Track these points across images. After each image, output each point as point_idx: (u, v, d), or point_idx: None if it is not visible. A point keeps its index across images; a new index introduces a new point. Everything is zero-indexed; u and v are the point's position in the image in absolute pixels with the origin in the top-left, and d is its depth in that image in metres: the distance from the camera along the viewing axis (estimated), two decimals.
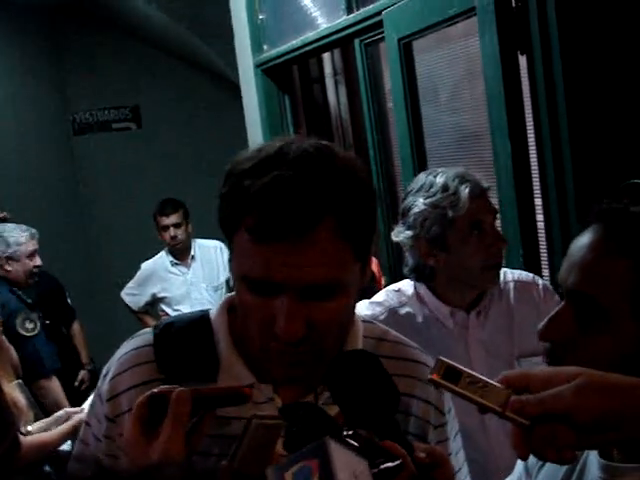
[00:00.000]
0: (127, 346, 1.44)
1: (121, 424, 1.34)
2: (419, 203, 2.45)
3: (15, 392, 3.26)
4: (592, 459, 1.26)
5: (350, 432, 1.07)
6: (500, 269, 2.47)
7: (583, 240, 1.24)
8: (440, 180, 2.46)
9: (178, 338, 1.40)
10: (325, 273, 1.20)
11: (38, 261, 5.09)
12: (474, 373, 1.03)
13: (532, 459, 1.41)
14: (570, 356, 1.21)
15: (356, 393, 1.15)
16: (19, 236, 5.03)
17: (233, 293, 1.47)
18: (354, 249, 1.23)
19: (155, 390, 1.17)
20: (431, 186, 2.46)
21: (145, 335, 1.44)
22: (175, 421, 1.12)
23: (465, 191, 2.40)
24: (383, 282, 3.80)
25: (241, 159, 1.26)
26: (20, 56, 8.07)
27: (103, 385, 1.43)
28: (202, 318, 1.43)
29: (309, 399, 1.35)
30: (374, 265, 3.74)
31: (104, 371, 1.46)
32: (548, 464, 1.36)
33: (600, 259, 1.20)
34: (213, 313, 1.43)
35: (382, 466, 1.05)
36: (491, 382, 1.02)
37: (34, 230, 5.15)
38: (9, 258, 5.00)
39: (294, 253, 1.18)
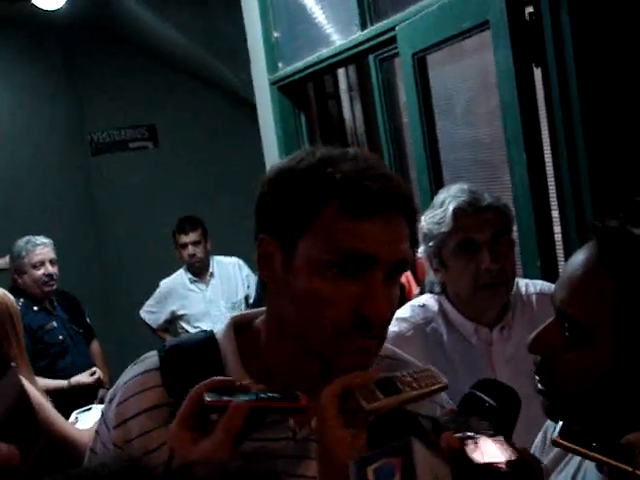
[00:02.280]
0: (132, 371, 1.42)
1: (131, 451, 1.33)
2: (423, 219, 2.49)
3: (39, 394, 3.30)
4: (591, 477, 1.25)
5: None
6: (499, 288, 2.42)
7: (576, 257, 1.24)
8: (441, 196, 2.48)
9: (185, 361, 1.38)
10: (407, 250, 1.28)
11: (49, 269, 5.18)
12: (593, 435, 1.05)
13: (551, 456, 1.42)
14: (554, 369, 1.23)
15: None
16: (22, 248, 5.21)
17: (241, 312, 1.49)
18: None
19: (205, 386, 1.18)
20: (435, 202, 2.48)
21: (150, 359, 1.42)
22: (227, 432, 1.12)
23: (450, 208, 2.39)
24: (415, 293, 3.80)
25: (291, 163, 1.31)
26: (36, 76, 8.14)
27: (109, 412, 1.41)
28: (208, 339, 1.41)
29: None
30: (404, 277, 3.72)
31: (109, 397, 1.44)
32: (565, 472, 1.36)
33: (587, 278, 1.20)
34: (219, 333, 1.42)
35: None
36: (612, 442, 1.04)
37: (44, 240, 5.29)
38: (17, 271, 5.18)
39: (387, 230, 1.24)
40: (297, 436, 1.32)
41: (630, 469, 1.00)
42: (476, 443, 1.00)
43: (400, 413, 1.10)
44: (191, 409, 1.15)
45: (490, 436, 1.02)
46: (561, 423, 1.09)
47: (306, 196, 1.25)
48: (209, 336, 1.42)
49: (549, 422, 1.48)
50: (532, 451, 1.48)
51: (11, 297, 3.62)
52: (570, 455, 1.33)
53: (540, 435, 1.50)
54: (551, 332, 1.25)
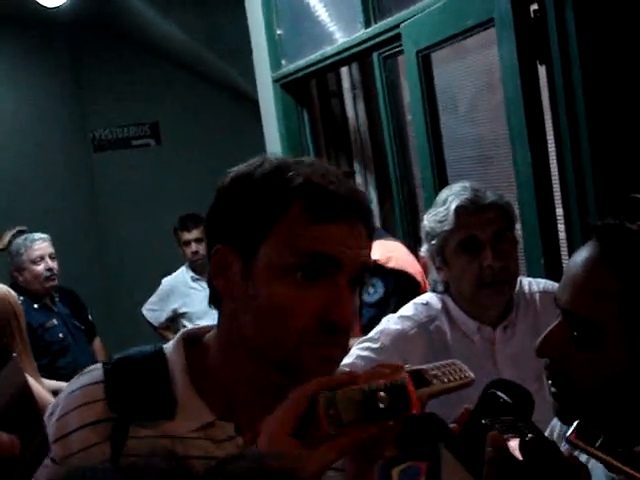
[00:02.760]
0: (75, 383, 1.37)
1: None
2: (425, 217, 2.49)
3: (43, 390, 3.30)
4: (599, 473, 1.24)
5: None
6: (502, 287, 2.41)
7: (578, 257, 1.24)
8: (444, 194, 2.48)
9: (130, 375, 1.33)
10: (369, 256, 1.27)
11: (49, 264, 5.14)
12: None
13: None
14: (567, 371, 1.22)
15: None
16: (20, 245, 5.16)
17: (190, 326, 1.45)
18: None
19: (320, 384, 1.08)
20: (438, 200, 2.47)
21: (95, 371, 1.37)
22: (338, 453, 1.05)
23: (452, 206, 2.38)
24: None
25: (248, 169, 1.29)
26: (39, 74, 8.13)
27: (48, 426, 1.32)
28: (156, 354, 1.37)
29: None
30: (419, 275, 3.71)
31: (49, 410, 1.37)
32: None
33: (592, 278, 1.20)
34: (168, 348, 1.38)
35: None
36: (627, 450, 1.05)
37: (42, 235, 5.25)
38: (18, 269, 5.13)
39: (351, 234, 1.23)
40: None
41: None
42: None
43: (429, 417, 1.08)
44: (299, 412, 1.06)
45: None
46: (577, 422, 1.08)
47: (267, 199, 1.23)
48: (157, 350, 1.38)
49: (554, 422, 1.47)
50: None
51: (14, 294, 3.62)
52: (576, 454, 1.33)
53: (546, 434, 1.49)
54: (558, 334, 1.24)
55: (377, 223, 4.43)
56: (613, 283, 1.17)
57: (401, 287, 3.18)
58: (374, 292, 3.28)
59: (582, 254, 1.23)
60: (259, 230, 1.24)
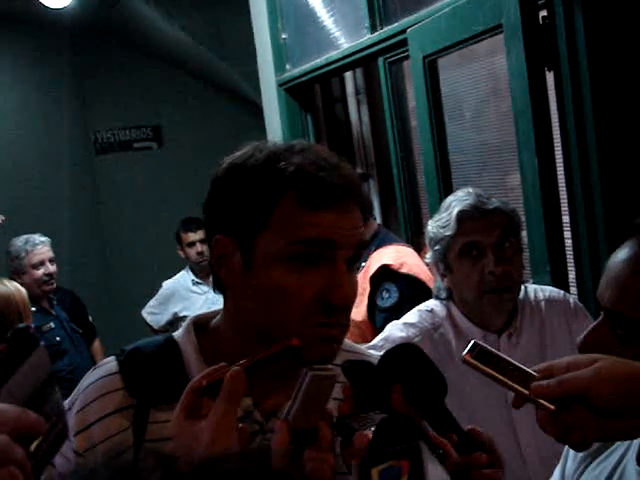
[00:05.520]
0: (90, 377, 1.40)
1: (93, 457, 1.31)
2: (429, 223, 2.49)
3: None
4: (630, 468, 1.24)
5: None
6: (504, 294, 2.38)
7: (620, 255, 1.24)
8: (448, 200, 2.47)
9: (146, 362, 1.36)
10: (364, 233, 1.31)
11: (50, 268, 5.14)
12: (507, 358, 1.08)
13: (569, 469, 1.40)
14: None
15: (408, 382, 1.13)
16: (21, 249, 5.15)
17: (199, 312, 1.47)
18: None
19: (205, 375, 1.13)
20: (442, 206, 2.47)
21: (107, 364, 1.40)
22: (229, 400, 1.09)
23: (455, 211, 2.37)
24: None
25: (239, 160, 1.31)
26: (42, 76, 8.14)
27: (68, 420, 1.35)
28: (167, 341, 1.40)
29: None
30: (430, 281, 3.70)
31: (67, 405, 1.39)
32: (585, 475, 1.35)
33: (635, 275, 1.20)
34: (178, 335, 1.41)
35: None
36: (522, 367, 1.07)
37: (42, 238, 5.23)
38: (17, 272, 5.10)
39: (344, 217, 1.25)
40: (265, 427, 1.32)
41: (526, 392, 1.04)
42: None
43: (405, 418, 1.08)
44: (190, 400, 1.11)
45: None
46: (473, 342, 1.09)
47: (260, 191, 1.25)
48: (168, 338, 1.42)
49: None
50: None
51: (24, 293, 3.65)
52: (612, 448, 1.33)
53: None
54: (601, 331, 1.24)
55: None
56: None
57: (414, 293, 3.16)
58: (388, 297, 3.27)
59: (624, 253, 1.23)
60: (254, 221, 1.26)
